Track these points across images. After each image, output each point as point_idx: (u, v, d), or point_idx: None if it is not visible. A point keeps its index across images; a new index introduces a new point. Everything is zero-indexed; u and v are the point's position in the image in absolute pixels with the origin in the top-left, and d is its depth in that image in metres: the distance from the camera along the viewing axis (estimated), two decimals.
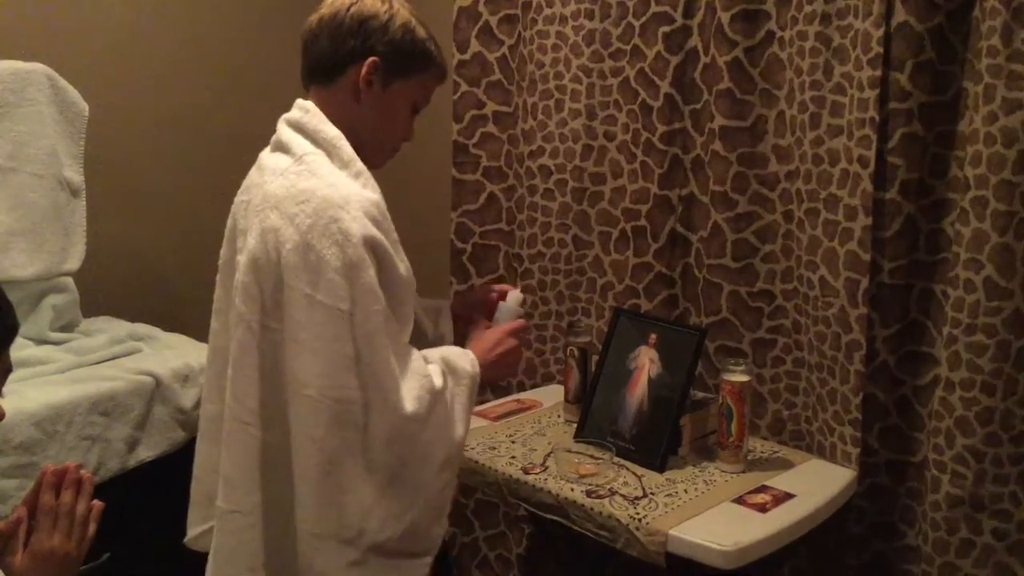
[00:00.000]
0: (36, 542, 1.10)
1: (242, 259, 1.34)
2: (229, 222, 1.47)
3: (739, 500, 1.68)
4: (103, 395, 1.73)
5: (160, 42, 2.29)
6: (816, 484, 1.76)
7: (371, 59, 1.41)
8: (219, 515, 1.37)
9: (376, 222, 1.33)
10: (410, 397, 1.34)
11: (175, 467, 1.81)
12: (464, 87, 2.32)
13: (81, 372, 1.81)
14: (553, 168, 2.24)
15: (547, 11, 2.20)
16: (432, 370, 1.40)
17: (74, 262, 1.97)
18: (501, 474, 1.80)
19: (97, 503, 1.17)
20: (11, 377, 1.70)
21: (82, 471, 1.16)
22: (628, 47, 2.07)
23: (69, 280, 1.99)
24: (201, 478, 1.51)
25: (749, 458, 1.82)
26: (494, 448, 1.90)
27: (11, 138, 1.91)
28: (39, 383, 1.75)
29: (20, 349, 1.84)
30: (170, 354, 1.92)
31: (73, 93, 2.00)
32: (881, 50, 1.68)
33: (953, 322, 1.68)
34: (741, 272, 1.98)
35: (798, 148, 1.88)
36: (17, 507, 1.14)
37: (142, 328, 2.06)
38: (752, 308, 1.98)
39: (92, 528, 1.15)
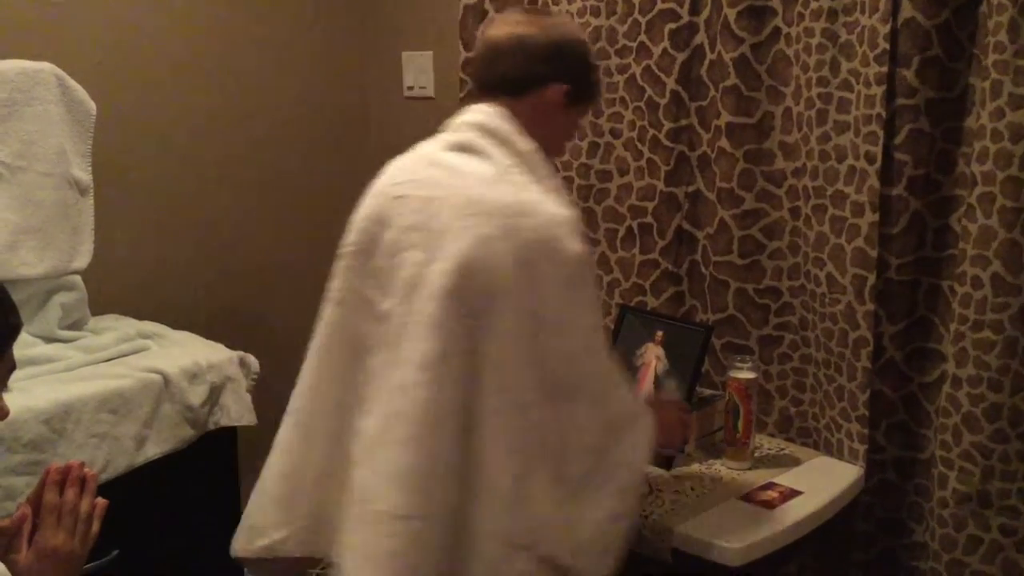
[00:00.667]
0: (40, 540, 1.11)
1: (444, 264, 1.29)
2: (370, 211, 1.41)
3: (746, 497, 1.68)
4: (112, 393, 1.74)
5: (168, 42, 2.30)
6: (823, 481, 1.76)
7: (565, 86, 1.43)
8: (387, 519, 1.27)
9: (582, 240, 1.34)
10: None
11: (183, 464, 1.82)
12: (471, 84, 2.32)
13: (90, 370, 1.81)
14: (559, 165, 2.24)
15: (553, 9, 2.20)
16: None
17: (82, 260, 1.97)
18: None
19: (101, 501, 1.17)
20: (20, 375, 1.72)
21: (86, 469, 1.16)
22: (634, 44, 2.07)
23: (77, 278, 1.99)
24: (290, 478, 1.45)
25: (756, 455, 1.82)
26: None
27: (20, 137, 1.91)
28: (48, 381, 1.75)
29: (29, 347, 1.85)
30: (178, 352, 1.93)
31: (81, 92, 2.00)
32: (888, 46, 1.68)
33: (960, 318, 1.68)
34: (748, 269, 1.97)
35: (805, 145, 1.88)
36: (21, 505, 1.15)
37: (150, 326, 2.07)
38: (759, 305, 1.98)
39: (96, 526, 1.16)
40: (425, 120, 2.66)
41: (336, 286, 1.44)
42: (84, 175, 2.00)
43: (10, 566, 1.07)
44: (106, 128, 2.07)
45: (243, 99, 2.45)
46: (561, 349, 1.31)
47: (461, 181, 1.35)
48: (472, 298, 1.27)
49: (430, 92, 2.63)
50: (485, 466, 1.28)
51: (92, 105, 2.01)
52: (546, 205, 1.33)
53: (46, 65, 1.96)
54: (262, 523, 1.47)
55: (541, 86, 1.43)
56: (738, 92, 1.93)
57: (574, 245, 1.31)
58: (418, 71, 2.64)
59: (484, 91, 1.46)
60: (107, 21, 2.20)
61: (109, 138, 2.11)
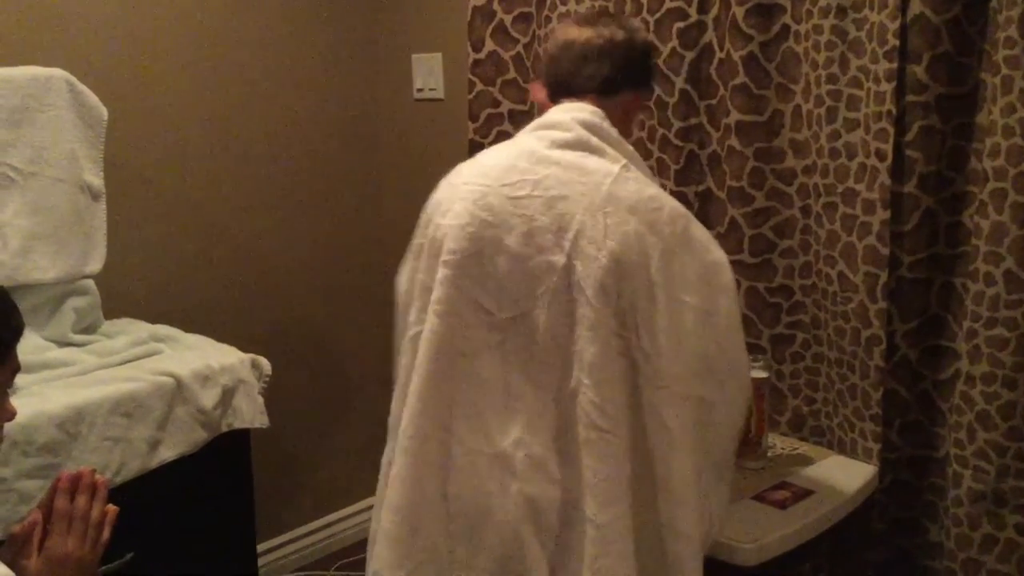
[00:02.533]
0: (50, 546, 1.11)
1: (601, 261, 1.27)
2: (474, 215, 1.34)
3: (759, 497, 1.68)
4: (125, 396, 1.74)
5: (178, 46, 2.31)
6: (837, 480, 1.75)
7: (642, 90, 1.53)
8: (592, 527, 1.27)
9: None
10: None
11: (196, 467, 1.83)
12: (480, 86, 2.33)
13: (103, 374, 1.82)
14: None
15: (561, 8, 2.20)
16: None
17: (95, 265, 1.99)
18: None
19: (111, 507, 1.17)
20: (33, 379, 1.73)
21: (96, 476, 1.16)
22: None
23: (90, 283, 2.00)
24: (403, 510, 1.35)
25: (768, 454, 1.81)
26: None
27: (32, 143, 1.92)
28: (62, 385, 1.76)
29: (43, 351, 1.86)
30: (191, 355, 1.94)
31: (92, 98, 2.01)
32: (897, 43, 1.67)
33: (973, 316, 1.67)
34: (759, 268, 1.97)
35: (815, 142, 1.87)
36: (32, 511, 1.15)
37: (163, 329, 2.07)
38: (770, 304, 1.97)
39: (106, 532, 1.16)
40: (435, 122, 2.69)
41: (439, 298, 1.34)
42: (96, 180, 2.01)
43: (20, 572, 1.07)
44: (117, 133, 2.08)
45: (253, 103, 2.46)
46: (712, 336, 1.34)
47: (590, 179, 1.33)
48: (620, 296, 1.28)
49: (439, 94, 2.64)
50: (668, 464, 1.29)
51: (103, 110, 2.02)
52: (669, 199, 1.37)
53: (57, 71, 1.97)
54: (379, 566, 1.37)
55: (629, 88, 1.47)
56: (747, 90, 1.92)
57: (702, 232, 1.37)
58: (427, 73, 2.64)
59: (569, 91, 1.46)
60: (117, 27, 2.21)
61: (120, 143, 2.13)
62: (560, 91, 1.47)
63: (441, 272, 1.34)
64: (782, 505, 1.64)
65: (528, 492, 1.29)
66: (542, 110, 1.50)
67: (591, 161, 1.35)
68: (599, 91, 1.44)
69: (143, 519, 1.44)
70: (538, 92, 1.53)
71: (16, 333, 1.05)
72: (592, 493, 1.26)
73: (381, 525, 1.37)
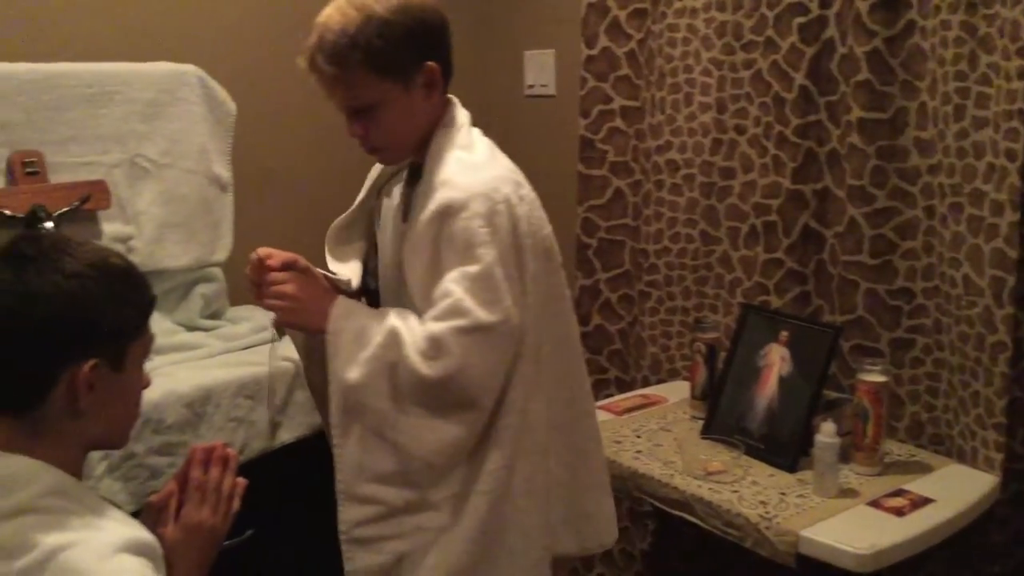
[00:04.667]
0: (185, 515, 1.17)
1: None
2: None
3: (874, 503, 1.64)
4: (248, 379, 1.82)
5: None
6: (956, 489, 1.70)
7: None
8: None
9: None
10: None
11: (314, 450, 1.89)
12: (592, 82, 2.33)
13: (228, 357, 1.91)
14: (681, 163, 2.22)
15: (677, 4, 2.18)
16: None
17: (222, 253, 2.08)
18: (627, 468, 1.81)
19: (241, 480, 1.23)
20: (164, 360, 1.82)
21: (228, 450, 1.22)
22: (761, 39, 2.04)
23: (218, 270, 2.09)
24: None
25: (885, 461, 1.77)
26: (619, 442, 1.91)
27: (165, 135, 2.02)
28: (190, 367, 1.85)
29: (172, 335, 1.95)
30: None
31: (222, 93, 2.10)
32: None
33: None
34: (879, 269, 1.92)
35: (941, 141, 1.81)
36: (168, 482, 1.22)
37: None
38: (890, 307, 1.92)
39: (236, 503, 1.21)
40: (545, 119, 2.70)
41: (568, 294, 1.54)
42: (224, 172, 2.10)
43: (158, 539, 1.13)
44: (243, 128, 2.17)
45: None
46: None
47: None
48: None
49: (551, 90, 2.65)
50: None
51: (232, 105, 2.11)
52: None
53: (190, 67, 2.07)
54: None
55: None
56: (870, 87, 1.88)
57: None
58: (539, 69, 2.66)
59: None
60: (245, 26, 2.30)
61: (246, 137, 2.21)
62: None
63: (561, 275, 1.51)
64: (899, 512, 1.60)
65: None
66: (443, 102, 1.47)
67: None
68: None
69: (262, 499, 1.50)
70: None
71: (150, 305, 1.11)
72: None
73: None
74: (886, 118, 1.88)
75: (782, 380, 1.83)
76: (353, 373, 1.34)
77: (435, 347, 1.31)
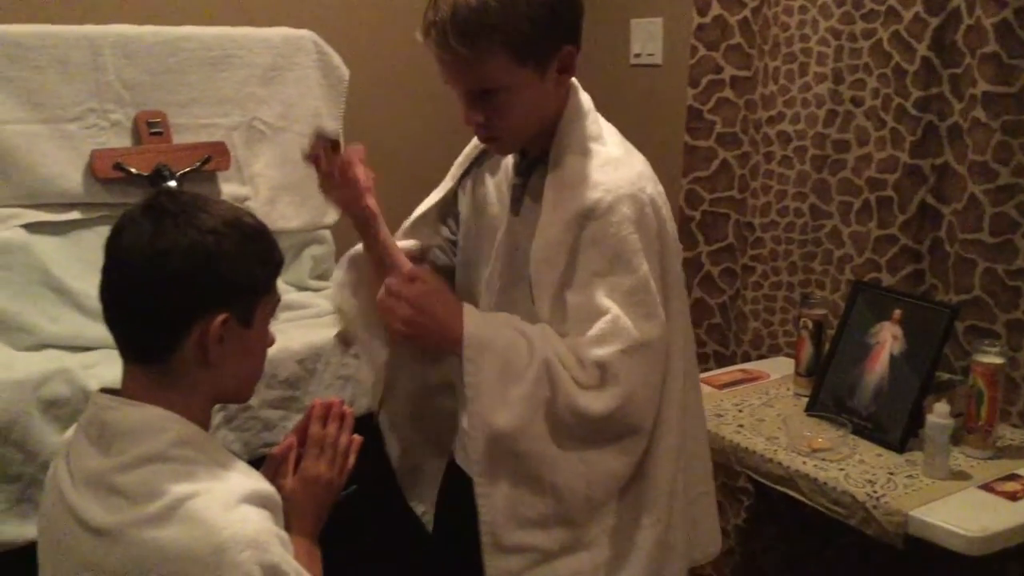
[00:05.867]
0: (304, 468, 1.20)
1: None
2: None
3: (986, 487, 1.59)
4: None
5: (414, 13, 2.40)
6: None
7: None
8: None
9: None
10: None
11: None
12: (702, 51, 2.30)
13: (336, 317, 1.95)
14: (793, 134, 2.18)
15: None
16: None
17: (332, 216, 2.13)
18: (728, 442, 1.80)
19: (357, 437, 1.25)
20: (279, 318, 1.87)
21: (345, 407, 1.25)
22: (883, 8, 1.97)
23: (327, 232, 2.15)
24: None
25: (998, 444, 1.72)
26: (720, 415, 1.89)
27: (281, 100, 2.08)
28: (301, 325, 1.91)
29: (283, 294, 2.00)
30: None
31: (336, 58, 2.14)
32: None
33: None
34: (999, 248, 1.85)
35: None
36: (288, 435, 1.25)
37: None
38: (1009, 287, 1.85)
39: (352, 459, 1.24)
40: (651, 88, 2.67)
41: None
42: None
43: (278, 490, 1.17)
44: (355, 93, 2.20)
45: None
46: None
47: None
48: None
49: (658, 60, 2.62)
50: None
51: (345, 71, 2.15)
52: None
53: (306, 32, 2.11)
54: None
55: None
56: (998, 60, 1.80)
57: None
58: (646, 38, 2.63)
59: None
60: None
61: (359, 102, 2.25)
62: None
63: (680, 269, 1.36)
64: (1013, 497, 1.56)
65: None
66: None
67: None
68: None
69: (366, 455, 1.54)
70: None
71: (278, 266, 1.14)
72: None
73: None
74: (1013, 92, 1.80)
75: (893, 359, 1.79)
76: (503, 418, 1.20)
77: (601, 376, 1.20)
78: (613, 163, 1.27)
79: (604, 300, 1.21)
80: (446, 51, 1.19)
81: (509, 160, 1.40)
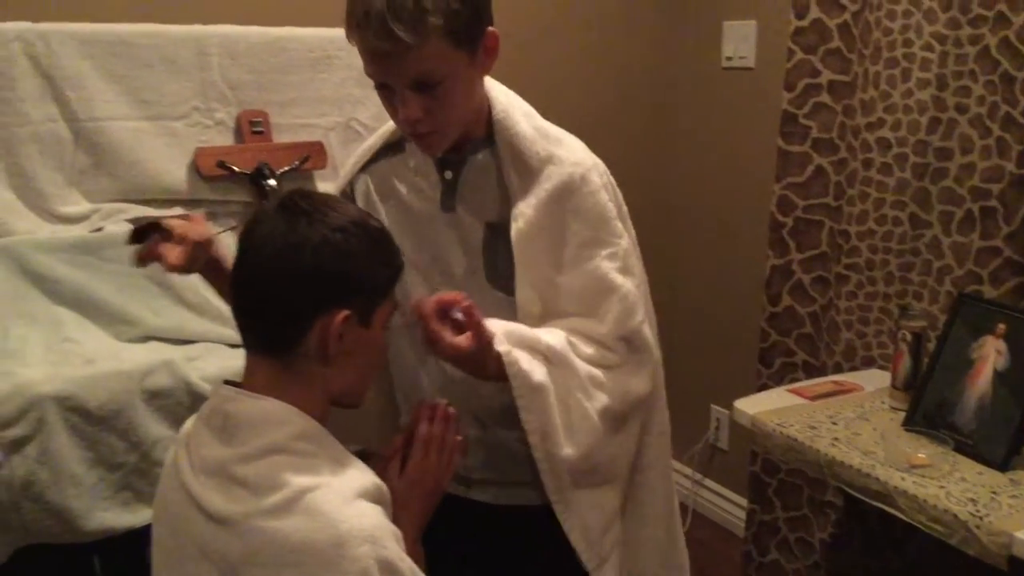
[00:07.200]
0: (412, 467, 1.22)
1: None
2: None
3: None
4: None
5: (518, 18, 2.42)
6: None
7: None
8: None
9: None
10: None
11: None
12: (799, 55, 2.26)
13: None
14: (893, 141, 2.13)
15: None
16: None
17: None
18: (824, 455, 1.76)
19: (460, 439, 1.26)
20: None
21: (449, 408, 1.27)
22: (991, 13, 1.91)
23: None
24: None
25: None
26: (814, 428, 1.86)
27: (377, 101, 2.08)
28: None
29: None
30: None
31: None
32: None
33: None
34: None
35: None
36: (396, 436, 1.27)
37: None
38: None
39: (457, 459, 1.26)
40: (743, 92, 2.64)
41: None
42: None
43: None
44: None
45: (555, 64, 2.52)
46: None
47: None
48: None
49: (750, 63, 2.59)
50: None
51: None
52: None
53: None
54: None
55: None
56: None
57: None
58: (739, 40, 2.60)
59: None
60: None
61: None
62: None
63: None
64: None
65: None
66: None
67: None
68: None
69: None
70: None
71: (398, 271, 1.16)
72: None
73: None
74: None
75: (997, 374, 1.74)
76: (570, 447, 1.28)
77: (627, 348, 1.32)
78: (558, 138, 1.32)
79: (607, 275, 1.29)
80: (386, 40, 1.12)
81: (417, 159, 1.35)
